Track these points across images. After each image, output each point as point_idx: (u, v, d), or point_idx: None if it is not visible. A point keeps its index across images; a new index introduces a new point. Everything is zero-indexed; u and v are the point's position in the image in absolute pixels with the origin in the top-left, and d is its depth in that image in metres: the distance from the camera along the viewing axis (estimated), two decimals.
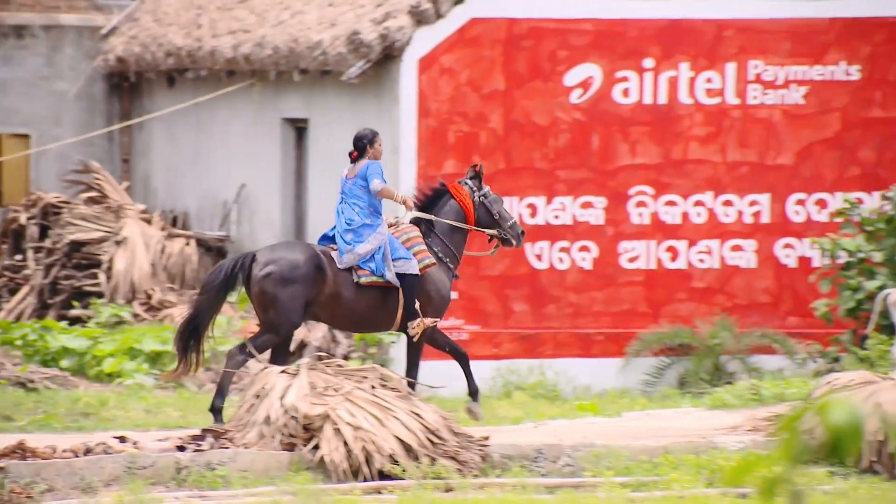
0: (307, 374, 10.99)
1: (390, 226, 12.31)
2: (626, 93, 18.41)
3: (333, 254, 12.12)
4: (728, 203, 18.46)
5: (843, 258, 17.33)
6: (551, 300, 18.25)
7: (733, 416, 12.38)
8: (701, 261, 18.37)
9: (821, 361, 17.45)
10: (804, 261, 18.37)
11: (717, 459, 10.89)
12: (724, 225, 18.43)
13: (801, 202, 18.45)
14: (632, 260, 18.37)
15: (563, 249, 18.28)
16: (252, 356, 11.90)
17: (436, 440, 10.77)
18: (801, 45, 18.42)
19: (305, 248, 12.36)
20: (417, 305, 12.11)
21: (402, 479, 10.51)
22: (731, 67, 18.43)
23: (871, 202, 17.94)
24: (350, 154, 12.34)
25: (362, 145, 12.29)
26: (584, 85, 18.36)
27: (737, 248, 18.42)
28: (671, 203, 18.41)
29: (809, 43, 18.42)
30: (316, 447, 10.67)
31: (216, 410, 11.98)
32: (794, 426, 3.51)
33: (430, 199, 12.57)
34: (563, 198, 18.30)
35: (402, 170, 18.04)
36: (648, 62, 18.39)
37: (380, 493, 10.41)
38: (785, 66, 18.42)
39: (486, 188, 12.67)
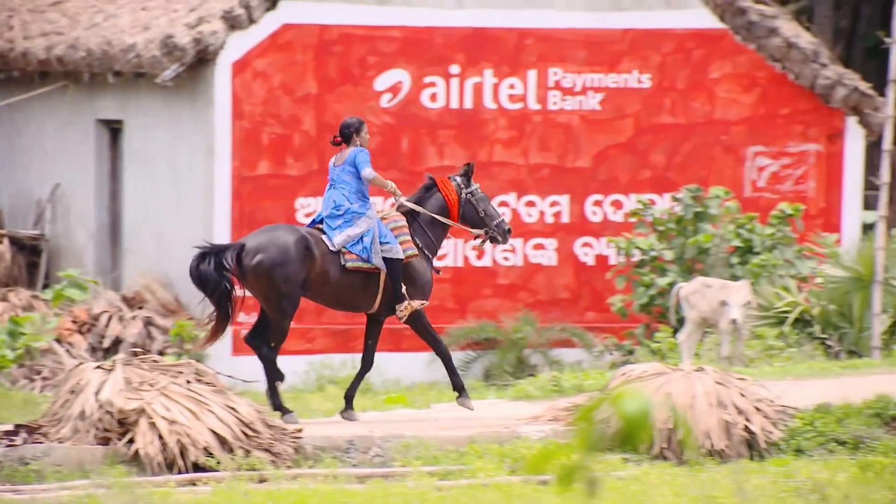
0: (122, 370, 10.85)
1: (377, 212, 12.35)
2: (433, 97, 18.51)
3: (323, 236, 12.06)
4: (531, 204, 18.67)
5: (637, 256, 17.65)
6: None
7: (535, 407, 12.51)
8: (505, 259, 18.55)
9: (616, 354, 17.75)
10: (601, 259, 18.66)
11: (520, 448, 11.01)
12: (526, 224, 18.64)
13: (598, 203, 18.74)
14: (440, 258, 18.47)
15: None
16: (278, 348, 11.94)
17: (250, 433, 10.71)
18: (597, 55, 18.71)
19: (291, 230, 12.19)
20: (404, 289, 12.12)
21: (217, 470, 10.44)
22: (532, 74, 18.64)
23: (663, 203, 18.29)
24: (334, 141, 12.25)
25: (348, 133, 12.21)
26: (394, 90, 18.42)
27: (539, 246, 18.65)
28: None
29: (604, 52, 18.71)
30: (131, 441, 10.53)
31: (277, 407, 11.84)
32: (591, 416, 3.57)
33: (418, 192, 12.57)
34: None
35: (216, 171, 17.91)
36: (454, 68, 18.52)
37: (194, 484, 10.32)
38: (582, 74, 18.69)
39: (475, 186, 12.63)
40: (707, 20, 18.86)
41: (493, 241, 12.67)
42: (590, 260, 18.69)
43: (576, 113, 18.72)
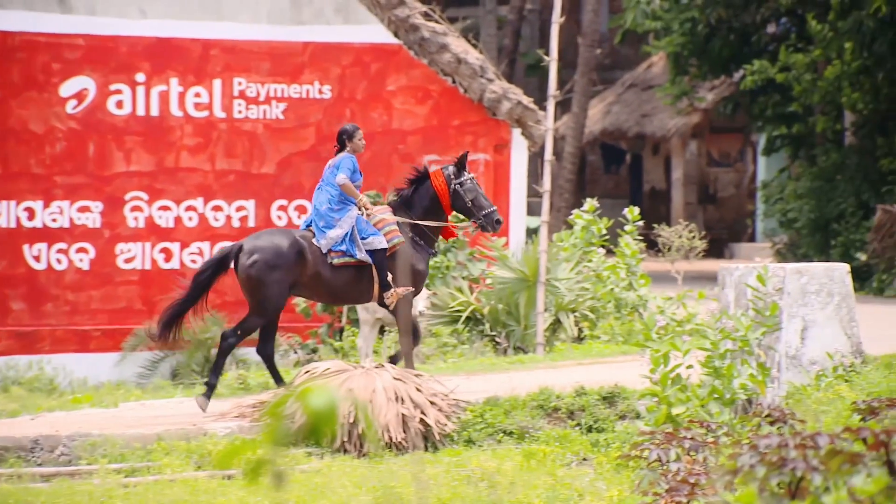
0: None
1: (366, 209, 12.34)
2: (119, 104, 18.08)
3: (314, 238, 12.20)
4: (217, 208, 18.43)
5: None
6: (49, 299, 17.71)
7: (222, 405, 12.33)
8: (193, 261, 18.24)
9: (301, 353, 17.66)
10: None
11: (207, 445, 10.82)
12: (213, 228, 18.39)
13: (283, 208, 18.62)
14: (128, 261, 18.06)
15: (61, 251, 17.77)
16: (242, 338, 12.12)
17: None
18: (280, 66, 18.61)
19: (287, 235, 12.27)
20: (390, 277, 12.18)
21: None
22: (217, 84, 18.41)
23: None
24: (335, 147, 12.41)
25: (342, 140, 12.39)
26: (79, 96, 17.91)
27: None
28: (165, 208, 18.21)
29: (286, 64, 18.63)
30: None
31: (210, 386, 11.97)
32: (277, 412, 3.47)
33: (412, 182, 12.62)
34: (60, 202, 17.80)
35: None
36: (140, 77, 18.14)
37: None
38: (266, 84, 18.55)
39: (466, 176, 12.55)
40: (383, 35, 18.97)
41: (483, 229, 12.68)
42: None
43: (260, 121, 18.57)
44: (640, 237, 18.09)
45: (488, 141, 19.26)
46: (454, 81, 19.13)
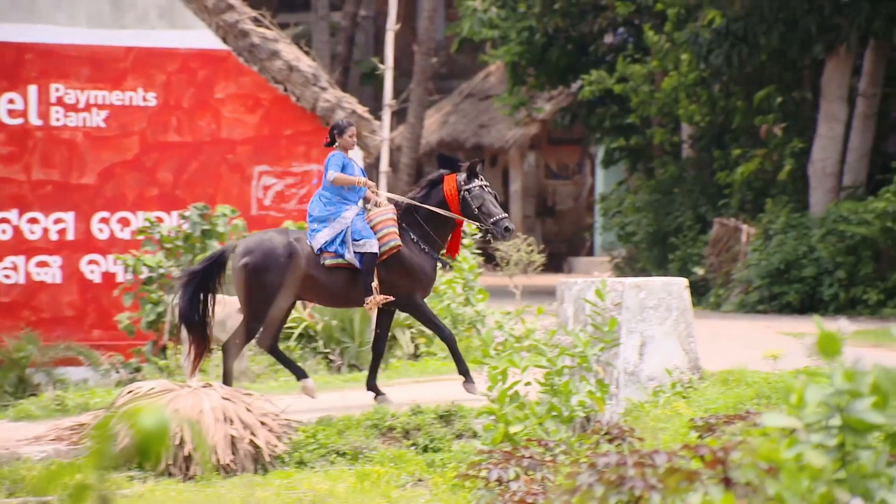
0: None
1: (375, 205, 12.37)
2: None
3: (308, 240, 12.26)
4: (34, 220, 18.10)
5: (146, 273, 17.40)
6: None
7: (38, 427, 12.10)
8: (7, 276, 17.89)
9: (124, 372, 17.42)
10: (109, 276, 18.29)
11: (21, 470, 10.60)
12: (29, 241, 18.05)
13: (104, 220, 18.36)
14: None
15: None
16: (243, 345, 12.24)
17: None
18: (101, 72, 18.36)
19: (281, 236, 12.40)
20: (375, 283, 12.20)
21: None
22: (33, 90, 18.10)
23: (171, 221, 18.13)
24: (326, 143, 12.45)
25: (332, 136, 12.45)
26: None
27: (43, 264, 18.09)
28: None
29: (108, 70, 18.39)
30: None
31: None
32: (105, 434, 3.44)
33: (426, 186, 12.63)
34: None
35: None
36: None
37: None
38: (86, 91, 18.28)
39: (475, 183, 12.49)
40: (211, 41, 18.84)
41: (493, 237, 12.64)
42: (96, 277, 18.28)
43: (80, 129, 18.29)
44: (478, 251, 18.23)
45: (322, 151, 19.25)
46: (286, 89, 19.08)
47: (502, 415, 9.92)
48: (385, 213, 12.60)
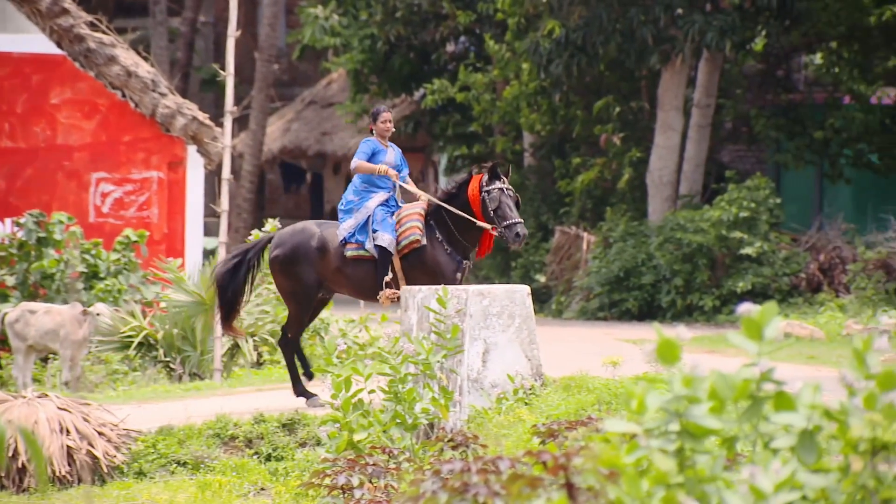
0: None
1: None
2: None
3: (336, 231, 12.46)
4: None
5: None
6: None
7: None
8: None
9: None
10: None
11: None
12: None
13: None
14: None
15: None
16: (294, 334, 12.49)
17: None
18: None
19: (312, 229, 12.54)
20: (389, 277, 12.28)
21: None
22: None
23: (5, 228, 17.78)
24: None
25: (370, 123, 12.51)
26: None
27: None
28: None
29: None
30: None
31: (302, 393, 12.47)
32: None
33: (457, 186, 12.55)
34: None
35: None
36: None
37: None
38: None
39: (496, 185, 12.30)
40: (45, 45, 18.53)
41: (505, 241, 12.47)
42: None
43: None
44: None
45: (162, 158, 19.04)
46: (124, 95, 18.84)
47: (346, 423, 9.90)
48: (413, 208, 12.63)
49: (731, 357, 17.06)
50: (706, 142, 25.88)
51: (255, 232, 18.31)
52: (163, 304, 16.82)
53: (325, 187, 40.78)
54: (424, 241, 12.43)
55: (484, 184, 12.47)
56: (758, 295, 23.85)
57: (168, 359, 16.34)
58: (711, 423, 4.60)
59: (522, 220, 12.49)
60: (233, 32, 16.33)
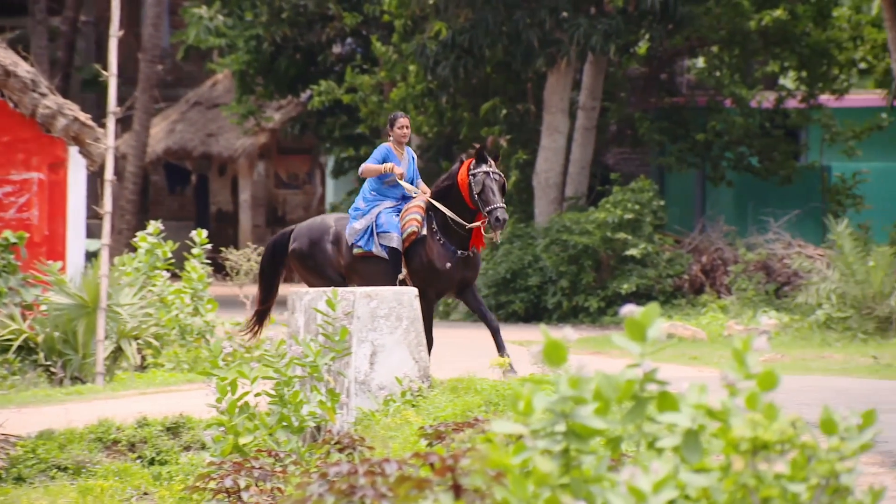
0: None
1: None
2: None
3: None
4: None
5: None
6: None
7: None
8: None
9: None
10: None
11: None
12: None
13: None
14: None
15: None
16: None
17: None
18: None
19: (328, 224, 12.80)
20: (403, 275, 12.46)
21: None
22: None
23: None
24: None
25: (387, 129, 12.53)
26: None
27: None
28: None
29: None
30: None
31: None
32: None
33: (449, 177, 12.57)
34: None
35: None
36: None
37: None
38: None
39: (481, 168, 12.18)
40: None
41: (488, 224, 12.40)
42: None
43: None
44: (208, 261, 18.07)
45: (42, 159, 18.78)
46: (2, 95, 18.57)
47: (232, 426, 9.85)
48: (416, 201, 12.65)
49: (616, 358, 17.23)
50: (591, 144, 26.11)
51: (139, 234, 18.16)
52: (43, 307, 16.60)
53: (211, 189, 40.50)
54: (424, 232, 12.52)
55: (472, 168, 12.43)
56: (642, 296, 24.10)
57: (49, 362, 16.14)
58: (597, 423, 4.64)
59: (504, 206, 12.35)
60: (115, 32, 16.15)
